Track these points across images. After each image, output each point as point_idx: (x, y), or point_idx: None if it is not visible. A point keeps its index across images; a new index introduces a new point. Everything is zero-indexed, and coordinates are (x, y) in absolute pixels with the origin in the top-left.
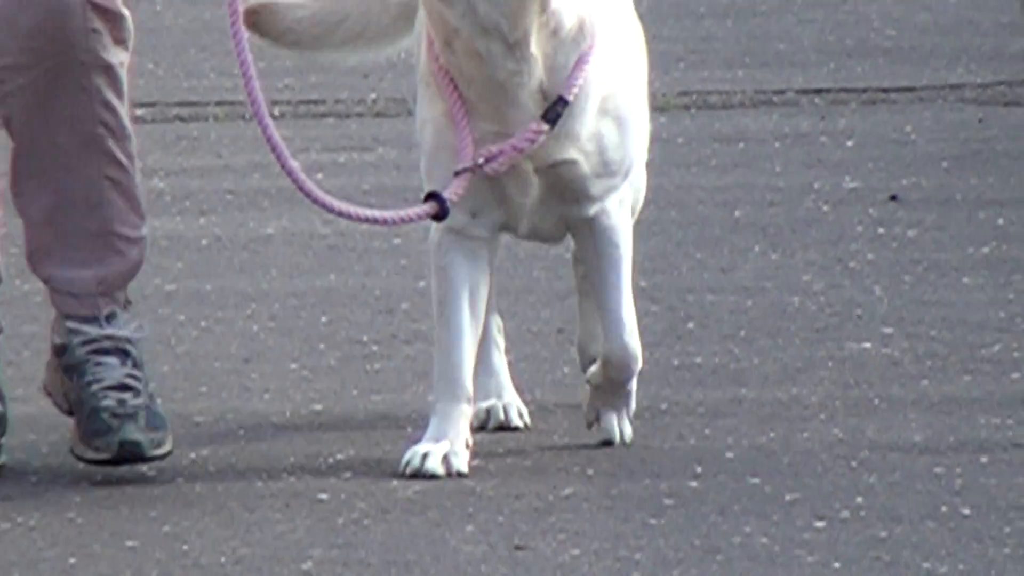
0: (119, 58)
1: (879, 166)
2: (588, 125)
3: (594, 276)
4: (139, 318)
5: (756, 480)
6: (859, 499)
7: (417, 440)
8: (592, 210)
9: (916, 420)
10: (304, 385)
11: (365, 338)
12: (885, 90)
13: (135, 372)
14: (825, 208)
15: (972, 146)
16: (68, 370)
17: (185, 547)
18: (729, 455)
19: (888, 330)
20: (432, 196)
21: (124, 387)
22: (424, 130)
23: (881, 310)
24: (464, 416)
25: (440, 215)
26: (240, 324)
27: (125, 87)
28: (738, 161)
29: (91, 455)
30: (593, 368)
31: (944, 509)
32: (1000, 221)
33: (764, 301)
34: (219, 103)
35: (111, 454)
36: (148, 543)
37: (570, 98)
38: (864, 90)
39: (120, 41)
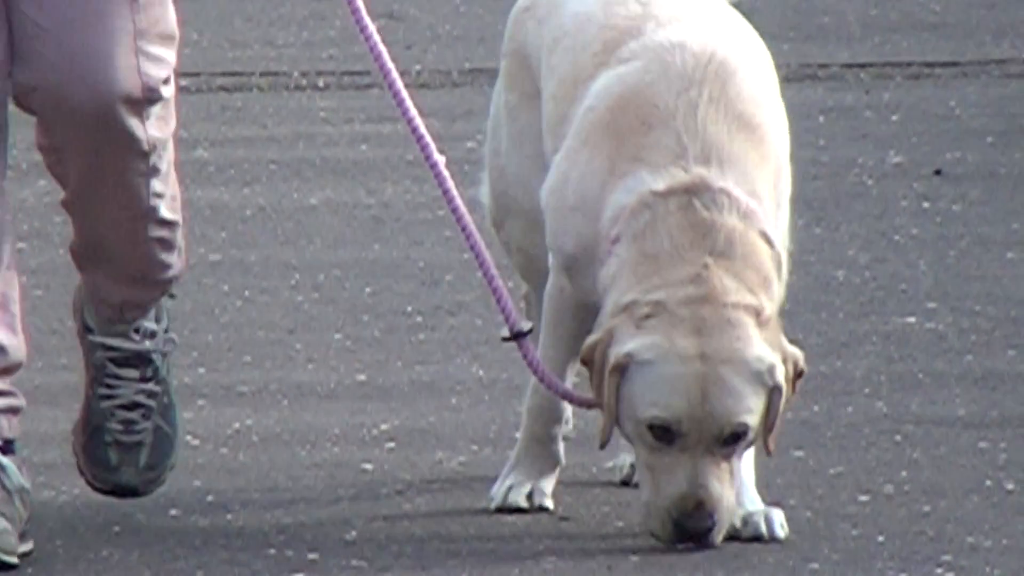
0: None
1: (924, 140)
2: None
3: None
4: (170, 325)
5: (800, 453)
6: (903, 473)
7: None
8: None
9: (960, 395)
10: (348, 356)
11: (409, 309)
12: (930, 64)
13: (151, 388)
14: (869, 182)
15: (1017, 120)
16: (88, 355)
17: (229, 516)
18: None
19: (932, 304)
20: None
21: (135, 405)
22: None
23: (926, 284)
24: (555, 441)
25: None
26: (284, 295)
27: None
28: None
29: (88, 479)
30: None
31: (988, 484)
32: None
33: (808, 275)
34: (263, 74)
35: (107, 489)
36: (191, 511)
37: None
38: (909, 64)
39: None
